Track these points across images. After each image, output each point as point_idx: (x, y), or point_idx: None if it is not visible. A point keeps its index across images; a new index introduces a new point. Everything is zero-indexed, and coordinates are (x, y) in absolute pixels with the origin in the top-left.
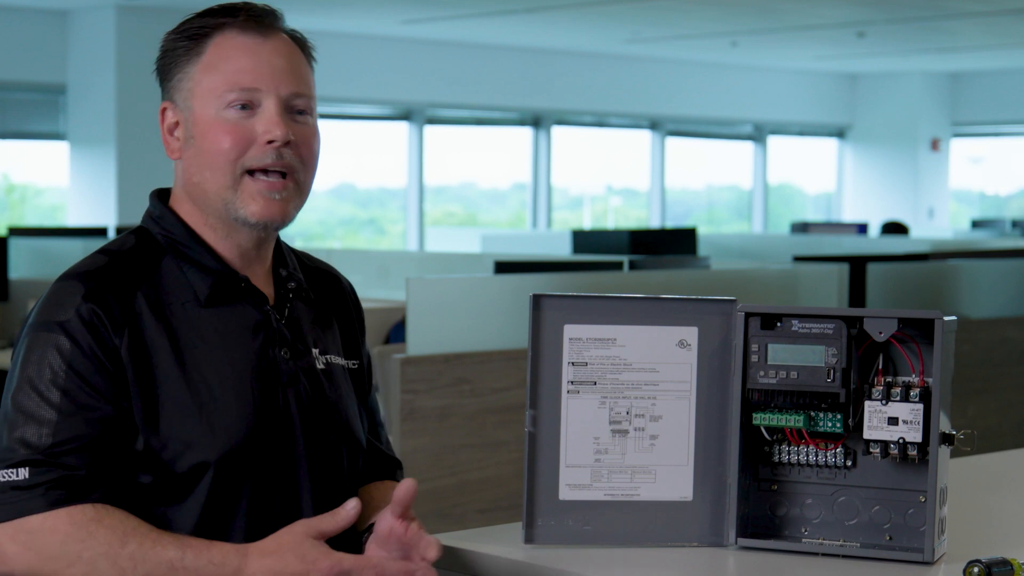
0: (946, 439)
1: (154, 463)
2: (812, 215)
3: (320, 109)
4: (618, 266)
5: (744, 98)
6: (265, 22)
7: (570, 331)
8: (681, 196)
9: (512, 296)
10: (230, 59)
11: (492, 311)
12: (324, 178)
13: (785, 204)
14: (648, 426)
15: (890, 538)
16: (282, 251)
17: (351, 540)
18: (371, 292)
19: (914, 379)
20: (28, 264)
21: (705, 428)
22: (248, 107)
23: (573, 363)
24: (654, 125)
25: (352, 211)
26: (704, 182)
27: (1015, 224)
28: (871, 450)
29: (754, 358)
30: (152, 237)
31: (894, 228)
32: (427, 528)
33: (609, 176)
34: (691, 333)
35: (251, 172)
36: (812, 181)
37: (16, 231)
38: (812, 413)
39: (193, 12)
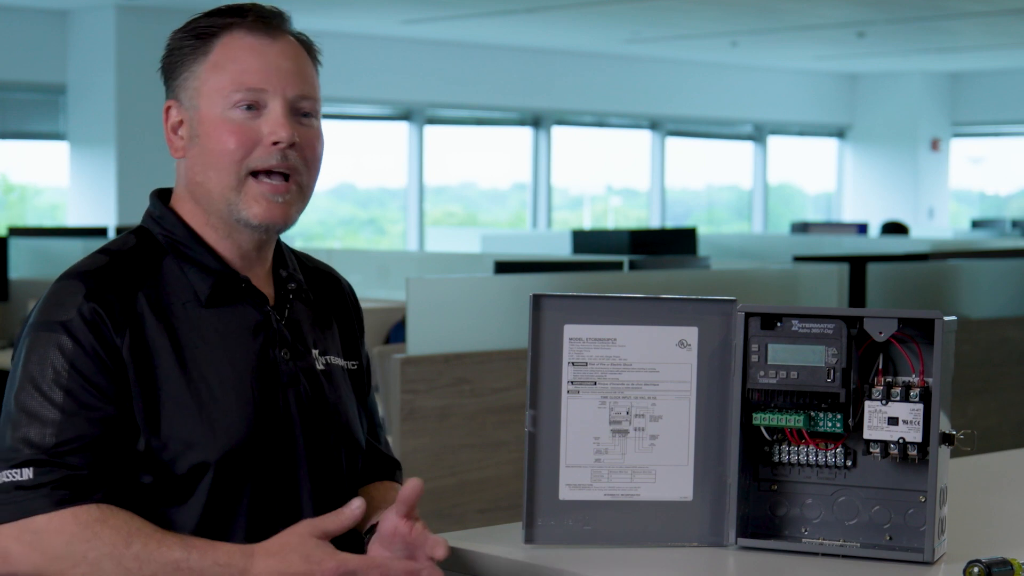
0: (946, 439)
1: (155, 463)
2: (812, 215)
3: (321, 109)
4: (618, 266)
5: (744, 98)
6: (273, 23)
7: (570, 331)
8: (681, 196)
9: (512, 296)
10: (237, 59)
11: (492, 311)
12: (324, 178)
13: (785, 204)
14: (648, 426)
15: (890, 538)
16: (282, 252)
17: (353, 541)
18: (371, 292)
19: (914, 379)
20: (28, 264)
21: (705, 428)
22: (254, 108)
23: (573, 363)
24: (654, 125)
25: (352, 211)
26: (704, 182)
27: (1015, 224)
28: (871, 450)
29: (754, 358)
30: (153, 237)
31: (894, 228)
32: (428, 528)
33: (609, 176)
34: (691, 333)
35: (255, 174)
36: (812, 181)
37: (16, 231)
38: (812, 413)
39: (194, 11)
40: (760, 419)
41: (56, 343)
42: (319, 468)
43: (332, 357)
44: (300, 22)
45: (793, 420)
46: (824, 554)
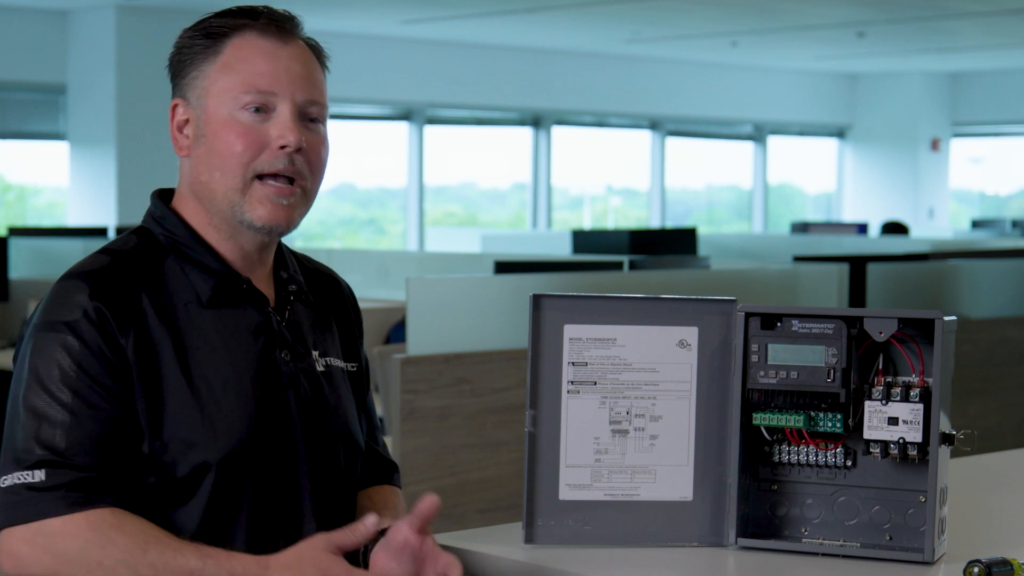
0: (946, 439)
1: (157, 464)
2: (812, 215)
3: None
4: (618, 266)
5: (744, 98)
6: (285, 27)
7: (570, 331)
8: (681, 196)
9: (512, 296)
10: (248, 60)
11: (492, 311)
12: (325, 178)
13: (785, 204)
14: (648, 426)
15: (890, 538)
16: (283, 253)
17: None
18: (371, 292)
19: (914, 379)
20: (28, 264)
21: (705, 428)
22: (262, 110)
23: (573, 363)
24: (654, 125)
25: (352, 211)
26: (704, 182)
27: (1015, 224)
28: (871, 450)
29: (754, 358)
30: (154, 237)
31: (894, 228)
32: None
33: (609, 176)
34: (691, 333)
35: (260, 177)
36: (812, 181)
37: (16, 231)
38: (812, 413)
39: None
40: (760, 419)
41: (62, 343)
42: (319, 469)
43: (332, 359)
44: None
45: (793, 420)
46: (824, 554)
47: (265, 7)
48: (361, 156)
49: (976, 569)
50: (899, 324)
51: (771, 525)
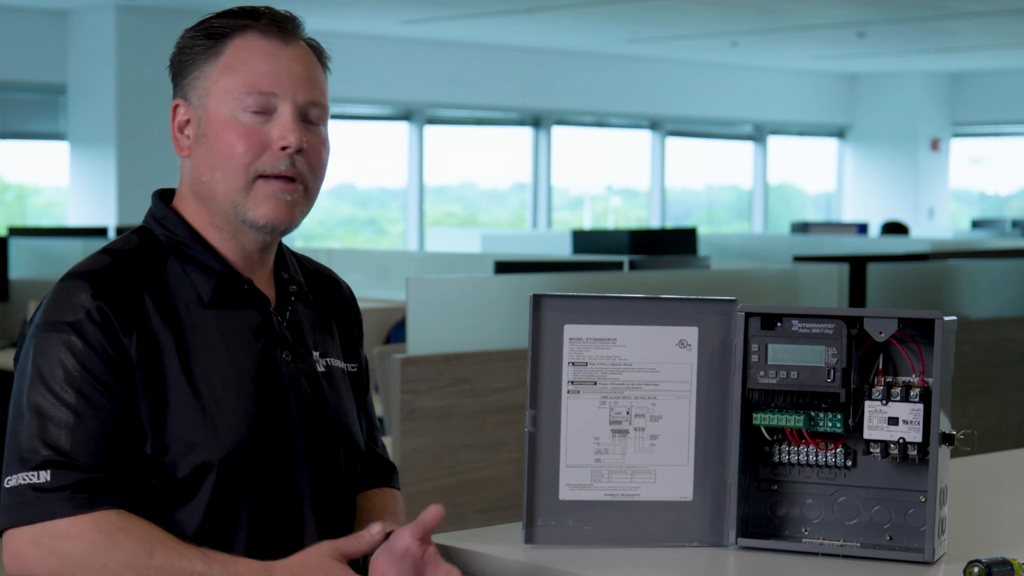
0: (946, 439)
1: (158, 465)
2: (812, 215)
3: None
4: (618, 266)
5: (744, 98)
6: (287, 28)
7: (570, 331)
8: (681, 196)
9: (512, 296)
10: (249, 61)
11: (492, 311)
12: (325, 178)
13: (785, 204)
14: (648, 426)
15: (890, 538)
16: (283, 254)
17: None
18: (371, 292)
19: (914, 379)
20: (28, 264)
21: (705, 428)
22: (263, 112)
23: (573, 363)
24: (654, 125)
25: (352, 211)
26: (704, 182)
27: (1015, 224)
28: (871, 450)
29: (754, 358)
30: (155, 237)
31: (894, 228)
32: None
33: (609, 176)
34: (691, 333)
35: (263, 176)
36: (812, 181)
37: (16, 231)
38: (812, 413)
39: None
40: (760, 419)
41: (66, 343)
42: (319, 469)
43: (332, 359)
44: None
45: (793, 420)
46: (824, 554)
47: (266, 7)
48: (361, 156)
49: (976, 569)
50: (899, 324)
51: (771, 525)
